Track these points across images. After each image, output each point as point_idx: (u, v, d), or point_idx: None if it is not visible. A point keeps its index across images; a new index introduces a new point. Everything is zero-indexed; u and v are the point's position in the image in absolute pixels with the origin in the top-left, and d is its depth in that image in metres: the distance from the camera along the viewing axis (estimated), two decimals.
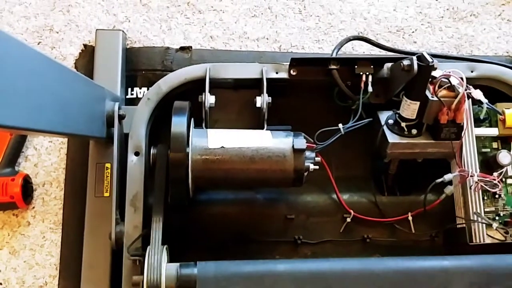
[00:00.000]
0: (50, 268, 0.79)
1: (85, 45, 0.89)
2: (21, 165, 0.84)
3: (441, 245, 0.79)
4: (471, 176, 0.72)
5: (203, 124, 0.74)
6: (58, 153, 0.84)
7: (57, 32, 0.90)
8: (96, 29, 0.88)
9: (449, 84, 0.68)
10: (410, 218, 0.78)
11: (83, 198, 0.77)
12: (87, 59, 0.88)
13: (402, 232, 0.78)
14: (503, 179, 0.74)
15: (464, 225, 0.73)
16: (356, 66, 0.74)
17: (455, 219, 0.75)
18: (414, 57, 0.67)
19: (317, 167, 0.70)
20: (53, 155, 0.84)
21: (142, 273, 0.61)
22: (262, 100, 0.75)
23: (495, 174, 0.73)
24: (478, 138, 0.76)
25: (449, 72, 0.69)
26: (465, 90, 0.68)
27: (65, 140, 0.84)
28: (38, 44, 0.89)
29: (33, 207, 0.82)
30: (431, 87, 0.69)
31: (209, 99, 0.74)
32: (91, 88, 0.71)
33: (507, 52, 0.95)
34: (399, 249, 0.79)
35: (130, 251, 0.67)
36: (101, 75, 0.84)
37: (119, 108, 0.72)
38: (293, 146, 0.69)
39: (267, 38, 0.93)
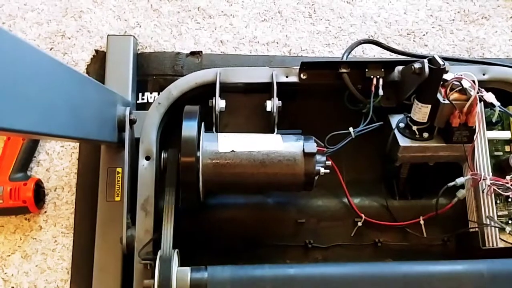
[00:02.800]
0: (62, 272, 0.80)
1: (96, 51, 0.90)
2: (33, 169, 0.84)
3: (454, 249, 0.79)
4: (483, 179, 0.72)
5: (214, 128, 0.74)
6: (69, 158, 0.85)
7: (69, 38, 0.91)
8: (108, 35, 0.89)
9: (461, 87, 0.68)
10: (422, 222, 0.77)
11: (94, 202, 0.78)
12: (98, 64, 0.89)
13: (414, 236, 0.78)
14: None
15: (476, 229, 0.73)
16: (366, 70, 0.74)
17: (468, 223, 0.75)
18: (425, 60, 0.67)
19: (327, 171, 0.70)
20: (65, 160, 0.85)
21: (153, 277, 0.61)
22: (272, 104, 0.75)
23: (508, 177, 0.72)
24: (491, 141, 0.75)
25: (461, 75, 0.69)
26: (477, 93, 0.68)
27: (77, 145, 0.85)
28: (50, 49, 0.90)
29: (45, 212, 0.82)
30: (442, 90, 0.69)
31: (220, 103, 0.74)
32: (102, 93, 0.72)
33: None
34: (410, 253, 0.78)
35: (141, 255, 0.67)
36: (112, 80, 0.84)
37: (130, 113, 0.73)
38: (303, 150, 0.68)
39: (277, 42, 0.93)
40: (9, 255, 0.80)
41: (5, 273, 0.79)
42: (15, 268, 0.80)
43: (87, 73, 0.89)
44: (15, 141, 0.81)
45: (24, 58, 0.46)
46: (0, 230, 0.81)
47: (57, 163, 0.85)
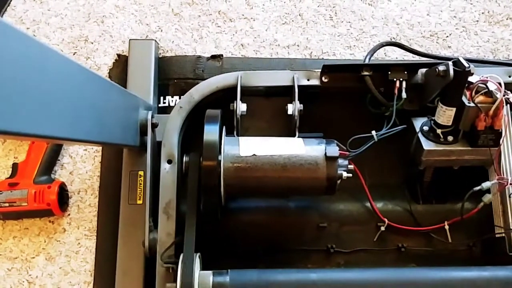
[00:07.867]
0: (85, 274, 0.81)
1: (118, 55, 0.91)
2: (57, 173, 0.85)
3: (479, 255, 0.77)
4: (510, 184, 0.70)
5: (235, 132, 0.74)
6: (92, 161, 0.86)
7: (92, 43, 0.92)
8: (129, 39, 0.90)
9: (487, 90, 0.67)
10: (446, 227, 0.76)
11: (117, 205, 0.78)
12: (120, 68, 0.90)
13: (438, 241, 0.76)
14: None
15: (503, 234, 0.71)
16: (389, 72, 0.73)
17: (494, 228, 0.73)
18: (450, 63, 0.66)
19: (350, 174, 0.69)
20: (88, 163, 0.86)
21: (175, 281, 0.61)
22: (293, 108, 0.74)
23: None
24: None
25: (487, 77, 0.67)
26: (504, 95, 0.66)
27: (100, 148, 0.86)
28: (74, 54, 0.92)
29: (69, 214, 0.83)
30: (467, 93, 0.68)
31: (241, 107, 0.74)
32: (125, 97, 0.72)
33: None
34: (435, 258, 0.77)
35: (163, 259, 0.68)
36: (134, 84, 0.85)
37: (152, 117, 0.73)
38: (325, 153, 0.68)
39: (298, 45, 0.92)
40: (34, 257, 0.81)
41: (30, 275, 0.81)
42: (39, 270, 0.81)
43: (109, 77, 0.90)
44: (39, 145, 0.83)
45: (48, 63, 0.47)
46: (24, 232, 0.82)
47: (80, 167, 0.86)
